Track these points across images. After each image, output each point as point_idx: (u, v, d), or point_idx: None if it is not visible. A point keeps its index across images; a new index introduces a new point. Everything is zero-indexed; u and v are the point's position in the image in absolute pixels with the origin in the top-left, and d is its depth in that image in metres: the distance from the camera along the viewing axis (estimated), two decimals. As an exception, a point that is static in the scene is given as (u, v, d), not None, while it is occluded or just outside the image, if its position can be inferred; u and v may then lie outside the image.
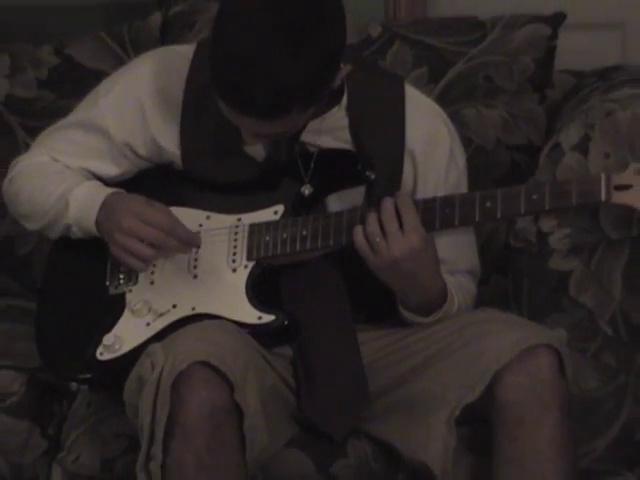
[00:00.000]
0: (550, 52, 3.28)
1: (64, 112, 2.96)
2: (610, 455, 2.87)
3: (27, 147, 3.04)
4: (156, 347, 2.61)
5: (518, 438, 2.58)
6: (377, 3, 3.50)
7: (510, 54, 3.27)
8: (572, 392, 2.72)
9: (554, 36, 3.28)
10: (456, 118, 3.18)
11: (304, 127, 2.71)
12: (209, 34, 2.59)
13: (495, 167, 3.20)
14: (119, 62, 3.21)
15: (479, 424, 2.64)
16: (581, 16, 3.36)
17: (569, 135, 2.87)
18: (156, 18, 3.37)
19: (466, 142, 3.13)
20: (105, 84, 2.90)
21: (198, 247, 2.74)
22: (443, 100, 3.20)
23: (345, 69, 2.65)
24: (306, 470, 2.77)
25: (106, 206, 2.76)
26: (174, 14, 3.36)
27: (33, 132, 3.07)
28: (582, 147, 2.84)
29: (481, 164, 3.16)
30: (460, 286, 2.80)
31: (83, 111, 2.89)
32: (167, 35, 3.33)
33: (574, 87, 3.26)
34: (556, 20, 3.28)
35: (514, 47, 3.27)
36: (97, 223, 2.77)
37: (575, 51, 3.35)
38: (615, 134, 2.84)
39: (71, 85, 3.18)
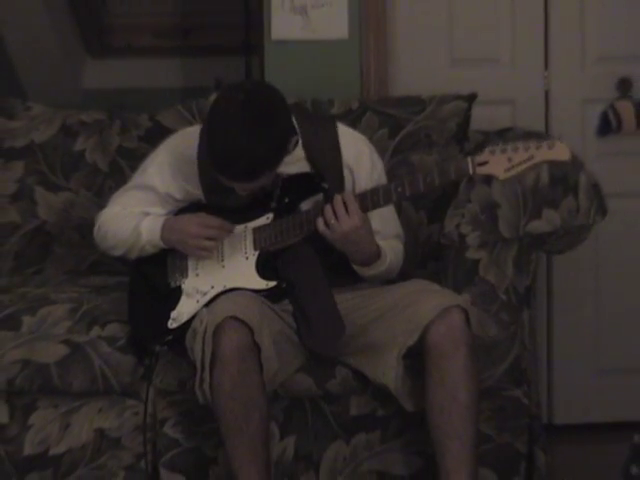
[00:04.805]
0: (467, 119, 3.27)
1: (154, 157, 2.97)
2: (505, 378, 2.85)
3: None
4: (203, 310, 2.68)
5: (440, 366, 2.60)
6: (355, 86, 3.49)
7: (441, 120, 3.25)
8: (481, 337, 2.73)
9: (469, 108, 3.27)
10: (406, 162, 3.20)
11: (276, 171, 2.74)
12: (204, 130, 2.71)
13: (432, 193, 3.18)
14: (189, 125, 3.18)
15: (417, 358, 2.65)
16: (486, 96, 3.34)
17: (479, 172, 2.88)
18: (214, 97, 3.35)
19: (412, 177, 3.13)
20: (148, 159, 2.97)
21: (231, 232, 2.77)
22: (398, 150, 3.21)
23: (294, 139, 2.72)
24: (309, 386, 2.77)
25: (167, 226, 2.82)
26: (225, 94, 3.36)
27: (135, 170, 3.04)
28: (487, 180, 2.82)
29: (422, 191, 3.16)
30: (391, 247, 2.83)
31: (137, 177, 2.96)
32: (220, 108, 3.32)
33: (482, 141, 3.24)
34: (470, 98, 3.27)
35: (444, 115, 3.25)
36: (163, 239, 2.82)
37: (482, 118, 3.33)
38: (508, 172, 2.84)
39: (159, 140, 3.16)
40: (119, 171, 3.33)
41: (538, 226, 2.81)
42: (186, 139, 2.90)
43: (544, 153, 2.58)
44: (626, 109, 3.52)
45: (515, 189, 2.81)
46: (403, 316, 2.65)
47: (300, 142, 2.80)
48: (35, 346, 2.82)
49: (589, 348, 3.57)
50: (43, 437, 2.84)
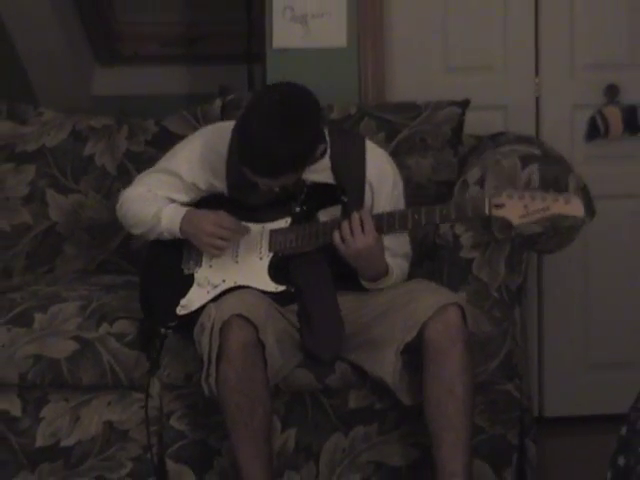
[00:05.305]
0: (460, 124, 3.25)
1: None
2: (498, 372, 2.84)
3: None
4: (211, 305, 2.65)
5: (437, 362, 2.60)
6: (353, 92, 3.48)
7: (436, 125, 3.23)
8: (474, 333, 2.72)
9: (463, 114, 3.25)
10: (403, 165, 3.17)
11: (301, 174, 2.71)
12: (238, 124, 2.66)
13: (427, 195, 3.17)
14: (194, 130, 3.16)
15: (414, 353, 2.64)
16: (479, 101, 3.34)
17: (472, 175, 2.86)
18: (218, 103, 3.35)
19: (408, 180, 3.12)
20: (180, 145, 2.92)
21: (246, 235, 2.75)
22: (395, 153, 3.17)
23: (322, 146, 2.70)
24: (310, 381, 2.77)
25: (187, 219, 2.77)
26: (229, 100, 3.33)
27: (141, 172, 3.03)
28: (480, 182, 2.83)
29: (418, 193, 3.14)
30: (398, 265, 2.81)
31: (166, 162, 2.91)
32: (225, 113, 3.30)
33: (475, 145, 3.25)
34: (464, 104, 3.26)
35: (438, 120, 3.24)
36: (181, 230, 2.78)
37: (476, 123, 3.33)
38: (500, 174, 2.83)
39: (165, 144, 3.16)
40: (127, 174, 3.31)
41: (529, 227, 2.80)
42: (220, 133, 2.86)
43: (560, 207, 2.58)
44: (613, 114, 3.53)
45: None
46: (402, 313, 2.65)
47: (328, 152, 2.78)
48: (46, 342, 2.82)
49: (578, 344, 3.57)
50: (54, 429, 2.84)
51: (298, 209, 2.75)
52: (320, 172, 2.78)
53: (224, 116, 3.29)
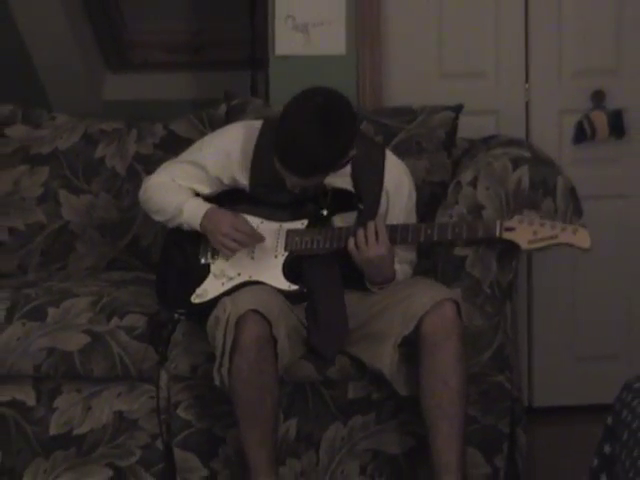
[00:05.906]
0: (454, 127, 3.25)
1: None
2: (489, 364, 2.84)
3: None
4: (226, 299, 2.63)
5: (433, 354, 2.61)
6: (352, 97, 3.42)
7: (431, 128, 3.23)
8: (467, 327, 2.72)
9: (456, 118, 3.25)
10: (399, 167, 3.17)
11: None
12: (279, 121, 2.64)
13: (422, 196, 3.16)
14: (201, 134, 3.19)
15: (411, 346, 2.65)
16: (472, 106, 3.33)
17: (465, 176, 2.87)
18: (223, 107, 3.34)
19: (405, 180, 3.11)
20: (207, 138, 2.92)
21: (260, 242, 2.73)
22: (391, 156, 3.19)
23: (352, 152, 2.68)
24: (311, 373, 2.77)
25: (207, 216, 2.76)
26: (233, 105, 3.32)
27: (150, 173, 3.02)
28: (473, 183, 2.83)
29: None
30: (403, 272, 2.82)
31: (192, 153, 2.89)
32: (229, 117, 3.29)
33: (468, 148, 3.24)
34: (457, 109, 3.25)
35: (433, 124, 3.23)
36: (201, 226, 2.77)
37: (469, 127, 3.33)
38: (492, 175, 2.83)
39: (173, 147, 3.17)
40: (136, 175, 3.31)
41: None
42: (248, 131, 2.83)
43: (568, 236, 2.60)
44: (599, 119, 3.53)
45: (499, 192, 2.81)
46: (400, 308, 2.65)
47: None
48: (59, 335, 2.82)
49: (566, 337, 3.58)
50: (67, 419, 2.84)
51: (325, 212, 2.74)
52: (340, 177, 2.76)
53: (229, 120, 3.28)
